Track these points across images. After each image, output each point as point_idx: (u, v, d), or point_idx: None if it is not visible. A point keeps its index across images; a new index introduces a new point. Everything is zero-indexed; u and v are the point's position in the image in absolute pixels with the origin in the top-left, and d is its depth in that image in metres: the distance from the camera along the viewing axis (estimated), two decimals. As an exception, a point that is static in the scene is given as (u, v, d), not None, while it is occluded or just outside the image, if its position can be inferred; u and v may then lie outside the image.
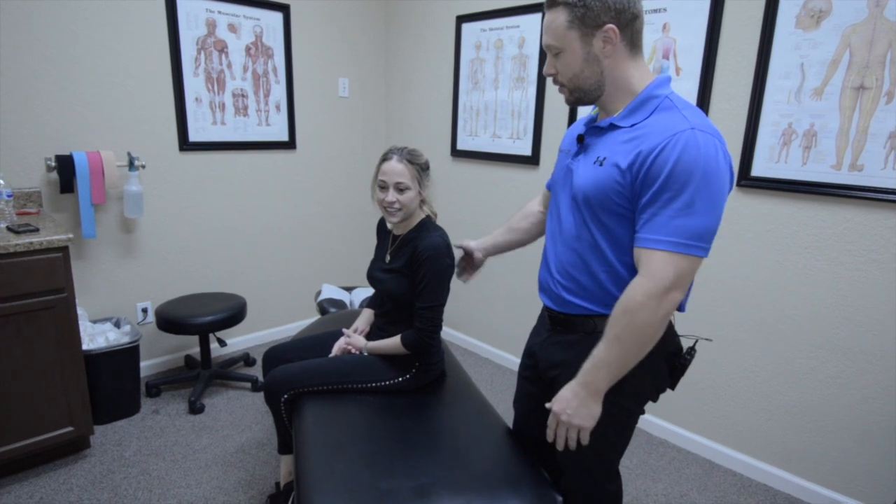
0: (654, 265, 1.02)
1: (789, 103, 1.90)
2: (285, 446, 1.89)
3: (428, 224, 1.72)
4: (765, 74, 1.94)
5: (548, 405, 1.18)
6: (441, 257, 1.63)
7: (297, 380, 1.72)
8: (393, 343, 1.72)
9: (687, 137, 1.00)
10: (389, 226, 1.79)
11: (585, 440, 1.15)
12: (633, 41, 1.11)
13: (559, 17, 1.09)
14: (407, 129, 3.52)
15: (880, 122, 1.73)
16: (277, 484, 1.97)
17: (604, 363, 1.08)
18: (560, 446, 1.18)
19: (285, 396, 1.72)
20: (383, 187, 1.65)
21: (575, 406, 1.12)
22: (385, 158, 1.66)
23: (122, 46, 2.48)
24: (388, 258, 1.77)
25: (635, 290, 1.04)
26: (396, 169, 1.62)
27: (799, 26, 1.85)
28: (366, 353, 1.80)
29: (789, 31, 1.87)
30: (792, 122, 1.91)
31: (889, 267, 1.79)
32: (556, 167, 1.30)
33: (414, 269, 1.65)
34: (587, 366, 1.10)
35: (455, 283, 1.75)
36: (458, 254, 1.66)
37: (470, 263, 1.62)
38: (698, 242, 1.01)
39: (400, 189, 1.63)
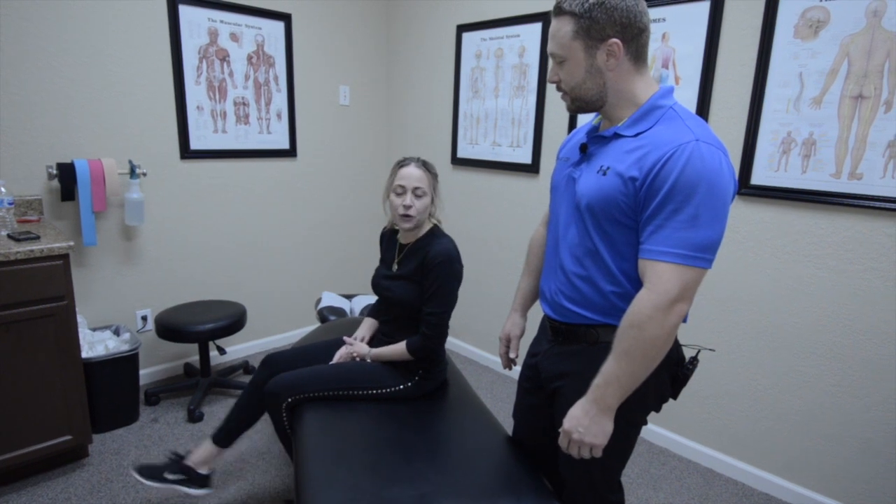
0: (660, 277, 1.02)
1: (788, 112, 1.91)
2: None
3: (437, 232, 1.75)
4: (764, 83, 1.95)
5: (560, 430, 1.16)
6: (452, 263, 1.66)
7: (299, 386, 1.71)
8: (398, 349, 1.72)
9: (692, 149, 1.00)
10: (400, 236, 1.80)
11: (598, 455, 1.14)
12: (637, 55, 1.11)
13: (565, 26, 1.09)
14: (407, 138, 3.53)
15: (879, 130, 1.74)
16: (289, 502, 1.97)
17: (614, 378, 1.07)
18: (576, 455, 1.16)
19: (288, 400, 1.71)
20: (400, 193, 1.67)
21: (586, 424, 1.10)
22: (402, 165, 1.70)
23: (125, 54, 2.49)
24: (395, 267, 1.78)
25: (641, 304, 1.03)
26: (415, 175, 1.66)
27: (797, 36, 1.86)
28: (369, 360, 1.80)
29: (788, 40, 1.89)
30: (791, 130, 1.92)
31: (889, 275, 1.79)
32: (555, 175, 1.30)
33: (423, 274, 1.66)
34: (597, 382, 1.09)
35: (461, 292, 1.76)
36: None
37: (514, 347, 1.52)
38: (703, 254, 1.01)
39: (417, 195, 1.66)
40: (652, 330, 1.02)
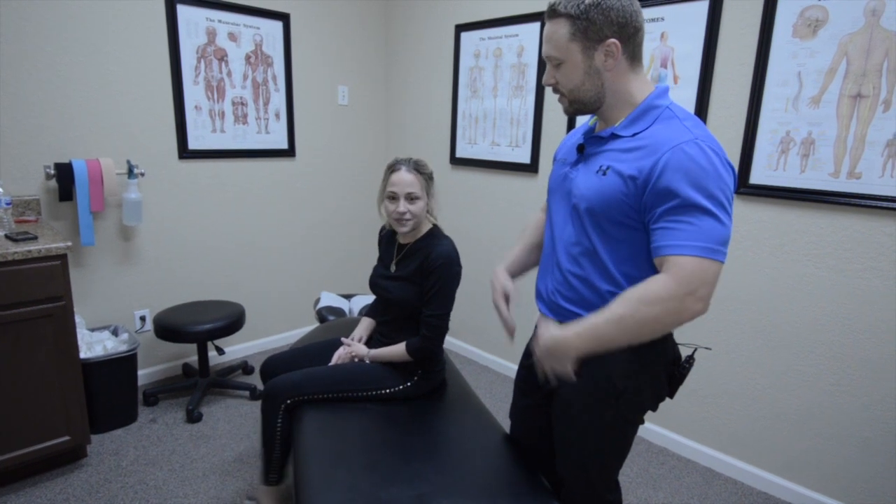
0: (682, 268, 1.00)
1: (787, 111, 1.91)
2: (272, 473, 1.76)
3: (437, 233, 1.74)
4: (762, 82, 1.95)
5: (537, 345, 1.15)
6: (452, 265, 1.65)
7: (299, 387, 1.70)
8: (397, 350, 1.72)
9: (691, 147, 1.01)
10: (399, 236, 1.79)
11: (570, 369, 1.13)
12: (634, 54, 1.11)
13: (561, 28, 1.08)
14: (406, 137, 3.53)
15: (878, 130, 1.74)
16: None
17: (593, 336, 1.06)
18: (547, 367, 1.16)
19: (287, 402, 1.70)
20: (393, 198, 1.66)
21: (548, 349, 1.12)
22: (393, 170, 1.66)
23: (123, 54, 2.49)
24: (393, 267, 1.77)
25: (659, 286, 1.02)
26: (406, 179, 1.63)
27: (796, 35, 1.86)
28: (368, 361, 1.79)
29: (786, 39, 1.88)
30: (790, 129, 1.91)
31: (887, 274, 1.79)
32: (552, 177, 1.30)
33: (424, 276, 1.65)
34: (576, 330, 1.07)
35: (459, 291, 1.75)
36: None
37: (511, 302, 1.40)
38: (721, 247, 1.01)
39: (411, 199, 1.64)
40: (658, 312, 1.01)
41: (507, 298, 1.36)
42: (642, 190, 1.04)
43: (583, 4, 1.05)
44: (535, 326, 1.40)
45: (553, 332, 1.12)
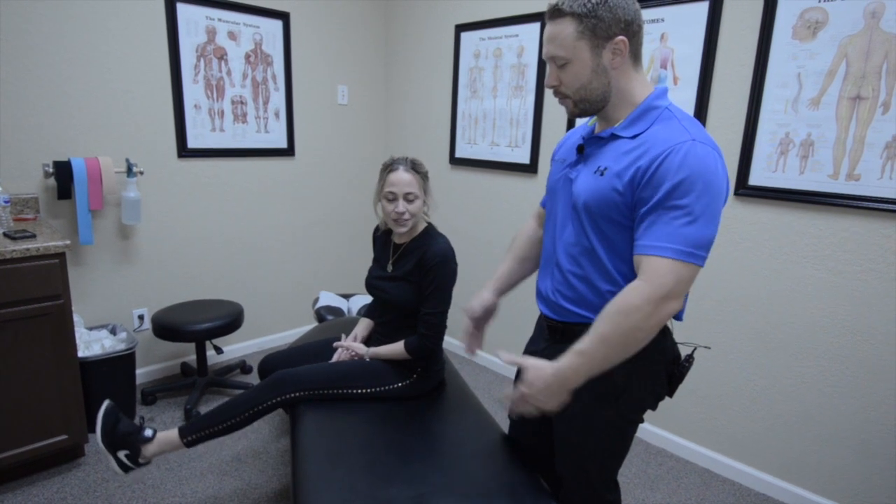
0: (656, 271, 1.01)
1: (786, 113, 1.91)
2: (196, 435, 1.67)
3: (432, 232, 1.74)
4: (762, 84, 1.95)
5: (518, 388, 1.12)
6: (449, 263, 1.66)
7: (302, 382, 1.69)
8: (396, 349, 1.72)
9: (688, 148, 1.01)
10: (395, 236, 1.79)
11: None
12: (636, 53, 1.11)
13: (567, 27, 1.07)
14: (406, 137, 3.53)
15: (877, 131, 1.74)
16: (137, 427, 1.73)
17: (585, 360, 1.05)
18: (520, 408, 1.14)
19: (283, 397, 1.69)
20: (392, 198, 1.65)
21: (545, 397, 1.09)
22: (391, 169, 1.65)
23: (122, 53, 2.48)
24: (390, 267, 1.77)
25: (633, 294, 1.02)
26: (405, 179, 1.63)
27: (796, 37, 1.87)
28: (367, 359, 1.79)
29: (786, 41, 1.89)
30: (789, 131, 1.92)
31: (886, 276, 1.80)
32: (551, 177, 1.30)
33: (421, 274, 1.65)
34: (566, 360, 1.07)
35: (457, 291, 1.75)
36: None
37: (480, 328, 1.46)
38: (699, 251, 1.02)
39: (409, 199, 1.64)
40: (637, 320, 1.02)
41: (477, 320, 1.44)
42: (637, 187, 1.05)
43: (590, 3, 1.04)
44: (536, 326, 1.40)
45: (532, 377, 1.10)
